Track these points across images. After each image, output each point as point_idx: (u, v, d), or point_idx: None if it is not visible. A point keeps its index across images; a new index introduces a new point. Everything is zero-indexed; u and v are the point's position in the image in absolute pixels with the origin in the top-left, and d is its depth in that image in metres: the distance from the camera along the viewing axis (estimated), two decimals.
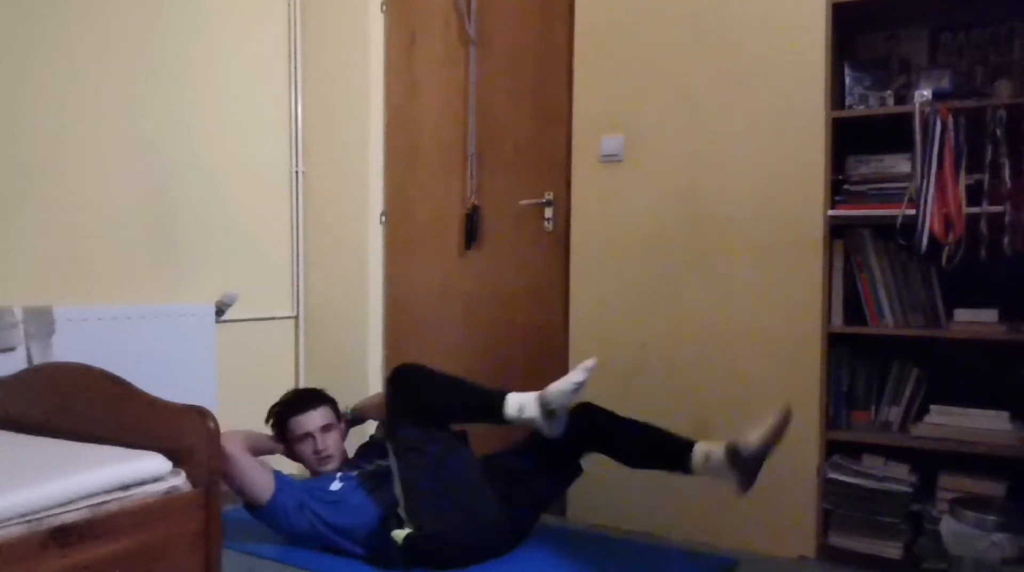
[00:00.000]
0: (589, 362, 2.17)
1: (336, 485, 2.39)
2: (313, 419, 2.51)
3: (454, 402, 2.31)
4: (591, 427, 2.26)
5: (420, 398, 2.30)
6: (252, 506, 2.34)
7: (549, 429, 2.19)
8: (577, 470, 2.36)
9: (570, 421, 2.22)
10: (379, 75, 3.18)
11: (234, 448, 2.24)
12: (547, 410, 2.17)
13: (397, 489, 2.25)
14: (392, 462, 2.29)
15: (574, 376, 2.17)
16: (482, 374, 2.91)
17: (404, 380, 2.35)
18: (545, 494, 2.39)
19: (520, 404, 2.21)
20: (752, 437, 2.02)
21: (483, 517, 2.25)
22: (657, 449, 2.19)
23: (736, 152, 2.44)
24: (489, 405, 2.25)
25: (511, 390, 2.26)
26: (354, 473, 2.44)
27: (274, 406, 2.58)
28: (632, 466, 2.25)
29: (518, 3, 2.92)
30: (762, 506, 2.36)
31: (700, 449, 2.10)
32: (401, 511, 2.23)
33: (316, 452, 2.49)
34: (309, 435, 2.50)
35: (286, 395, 2.62)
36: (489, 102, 2.98)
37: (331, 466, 2.50)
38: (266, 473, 2.35)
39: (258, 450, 2.47)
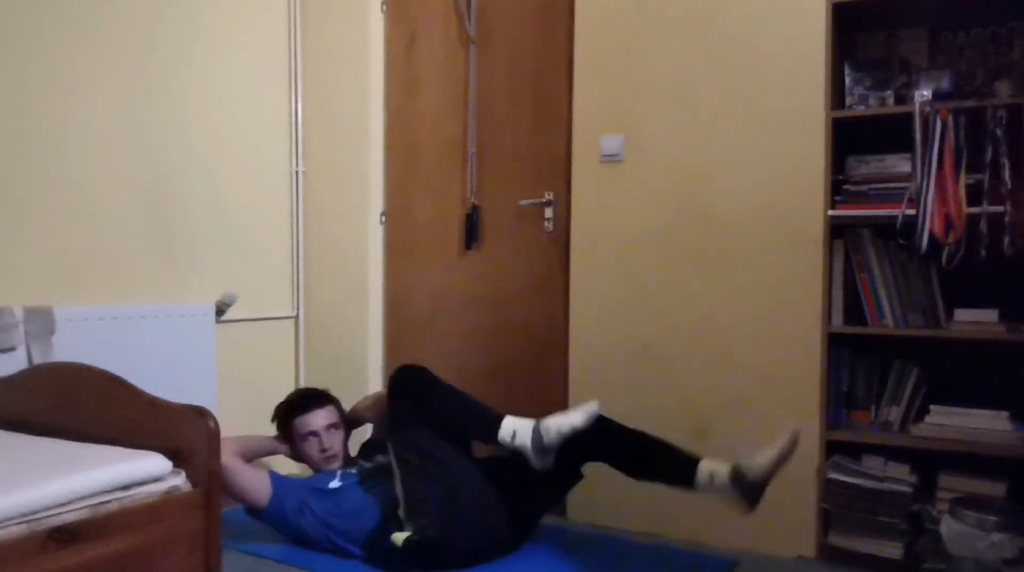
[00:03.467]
0: (592, 406, 2.15)
1: (335, 483, 2.40)
2: (318, 417, 2.52)
3: (453, 414, 2.29)
4: (596, 438, 2.21)
5: (422, 402, 2.29)
6: (252, 511, 2.35)
7: (538, 461, 2.16)
8: (578, 476, 2.35)
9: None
10: (379, 75, 3.18)
11: (225, 456, 2.19)
12: (539, 444, 2.15)
13: (398, 490, 2.25)
14: (393, 463, 2.28)
15: (574, 418, 2.14)
16: (481, 374, 2.93)
17: (407, 382, 2.33)
18: (545, 498, 2.40)
19: (514, 429, 2.19)
20: (758, 461, 2.00)
21: (483, 520, 2.24)
22: (662, 464, 2.17)
23: (736, 152, 2.44)
24: (485, 424, 2.24)
25: (508, 413, 2.24)
26: (353, 471, 2.45)
27: (279, 405, 2.59)
28: (635, 478, 2.23)
29: (518, 3, 2.92)
30: (762, 506, 2.35)
31: (705, 468, 2.07)
32: (401, 512, 2.23)
33: (322, 451, 2.50)
34: (314, 433, 2.50)
35: (291, 394, 2.63)
36: (489, 102, 2.98)
37: (335, 465, 2.50)
38: (261, 476, 2.35)
39: (254, 453, 2.46)
